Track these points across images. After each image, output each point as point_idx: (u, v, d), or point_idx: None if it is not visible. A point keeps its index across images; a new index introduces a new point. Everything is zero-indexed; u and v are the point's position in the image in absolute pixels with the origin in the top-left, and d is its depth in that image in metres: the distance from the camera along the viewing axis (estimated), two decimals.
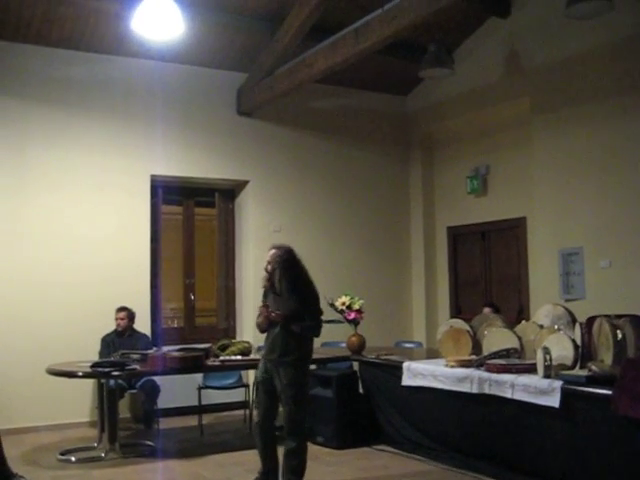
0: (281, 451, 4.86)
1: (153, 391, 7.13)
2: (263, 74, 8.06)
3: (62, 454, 6.07)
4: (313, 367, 6.88)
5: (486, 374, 5.14)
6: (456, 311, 9.18)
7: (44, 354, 6.76)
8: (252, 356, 6.74)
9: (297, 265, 4.90)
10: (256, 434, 4.93)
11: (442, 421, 5.70)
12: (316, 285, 4.97)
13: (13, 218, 7.30)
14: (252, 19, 7.64)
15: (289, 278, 4.80)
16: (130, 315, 7.30)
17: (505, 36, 8.25)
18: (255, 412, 5.01)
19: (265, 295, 4.99)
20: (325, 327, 7.07)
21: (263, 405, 4.90)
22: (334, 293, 6.84)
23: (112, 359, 6.28)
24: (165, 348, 7.14)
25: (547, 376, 4.69)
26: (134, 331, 7.32)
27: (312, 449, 6.17)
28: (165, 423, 7.28)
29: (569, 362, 4.76)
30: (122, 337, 7.22)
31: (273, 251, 4.91)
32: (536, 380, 4.74)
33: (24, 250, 7.31)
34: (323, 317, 6.84)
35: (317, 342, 7.86)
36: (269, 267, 4.86)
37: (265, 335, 4.98)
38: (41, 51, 7.51)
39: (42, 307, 7.32)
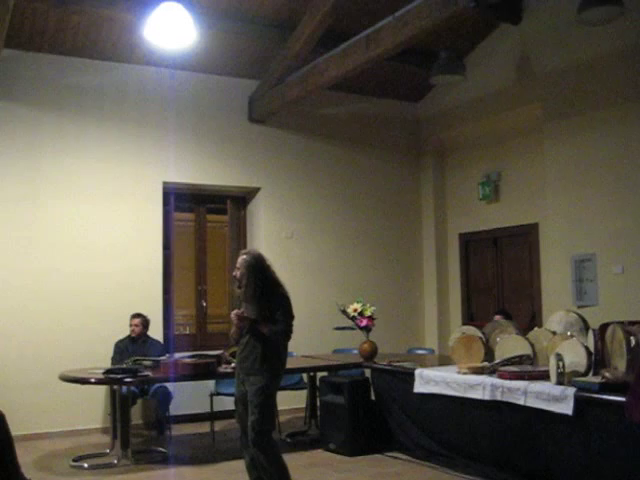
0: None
1: (165, 398, 7.14)
2: (274, 81, 8.09)
3: (75, 460, 6.10)
4: (324, 374, 6.92)
5: (498, 381, 5.11)
6: (468, 318, 9.16)
7: (57, 361, 6.80)
8: None
9: (265, 270, 4.81)
10: (242, 449, 4.84)
11: (454, 428, 5.67)
12: (287, 289, 4.86)
13: (26, 225, 7.35)
14: (264, 27, 7.67)
15: (256, 283, 4.73)
16: (144, 322, 7.32)
17: (516, 42, 8.25)
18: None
19: (239, 305, 4.91)
20: (337, 334, 7.16)
21: (244, 420, 4.79)
22: (346, 300, 6.85)
23: (124, 366, 6.30)
24: (177, 355, 7.16)
25: (560, 383, 4.66)
26: (147, 337, 7.34)
27: (324, 456, 6.22)
28: (177, 430, 7.30)
29: (582, 369, 4.73)
30: (135, 343, 7.24)
31: (242, 257, 4.86)
32: (549, 387, 4.71)
33: (37, 257, 7.36)
34: (338, 324, 6.91)
35: (328, 348, 7.99)
36: (238, 273, 4.81)
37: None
38: (54, 59, 7.57)
39: (55, 314, 7.36)
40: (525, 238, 8.58)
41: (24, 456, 5.49)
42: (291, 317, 4.78)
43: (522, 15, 8.11)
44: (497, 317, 6.91)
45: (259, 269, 4.78)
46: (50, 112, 7.55)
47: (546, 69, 7.87)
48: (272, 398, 4.79)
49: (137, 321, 7.27)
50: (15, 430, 5.10)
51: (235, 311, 4.77)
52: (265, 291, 4.74)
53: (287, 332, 4.75)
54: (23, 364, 7.14)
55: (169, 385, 7.07)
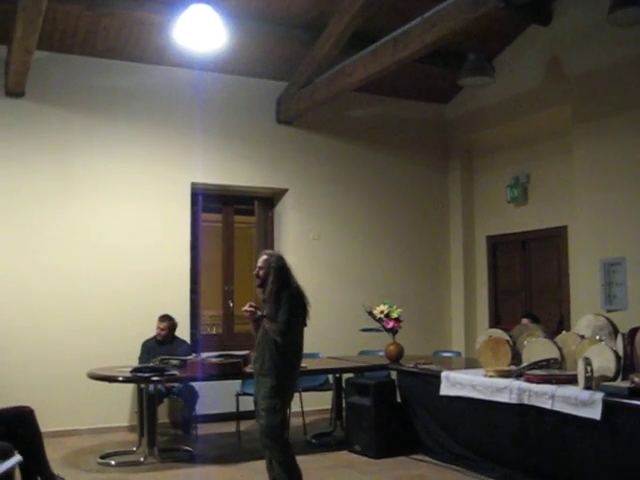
0: None
1: (192, 397, 7.18)
2: (303, 83, 8.11)
3: (102, 457, 6.16)
4: (350, 375, 6.92)
5: (526, 384, 5.08)
6: (495, 321, 9.09)
7: (85, 359, 6.86)
8: None
9: (285, 271, 4.83)
10: (263, 450, 4.87)
11: (480, 431, 5.65)
12: (302, 291, 4.85)
13: (55, 225, 7.45)
14: (292, 28, 7.69)
15: (274, 283, 4.75)
16: (172, 325, 7.34)
17: (546, 44, 8.19)
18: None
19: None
20: (363, 335, 7.15)
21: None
22: (372, 301, 6.84)
23: (152, 364, 6.34)
24: (204, 354, 7.20)
25: (588, 387, 4.61)
26: (174, 337, 7.39)
27: (349, 457, 6.23)
28: (203, 429, 7.33)
29: (611, 374, 4.68)
30: (162, 343, 7.28)
31: (263, 257, 4.88)
32: (577, 391, 4.67)
33: (65, 256, 7.44)
34: (365, 326, 6.88)
35: (354, 350, 7.99)
36: (261, 272, 4.81)
37: None
38: (85, 61, 7.67)
39: (84, 314, 7.44)
40: (554, 241, 8.51)
41: (52, 452, 5.57)
42: (291, 316, 4.68)
43: (552, 16, 8.05)
44: (524, 320, 6.87)
45: (278, 268, 4.80)
46: (80, 113, 7.64)
47: (575, 71, 7.80)
48: (282, 400, 4.74)
49: (164, 325, 7.28)
50: (44, 427, 5.19)
51: (248, 303, 4.80)
52: (278, 291, 4.74)
53: (284, 331, 4.65)
54: (52, 362, 7.23)
55: (196, 384, 7.12)
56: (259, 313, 4.79)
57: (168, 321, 7.33)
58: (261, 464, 5.93)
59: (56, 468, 5.26)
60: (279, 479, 4.73)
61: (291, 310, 4.69)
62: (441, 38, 6.41)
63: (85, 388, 6.85)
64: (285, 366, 4.74)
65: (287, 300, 4.71)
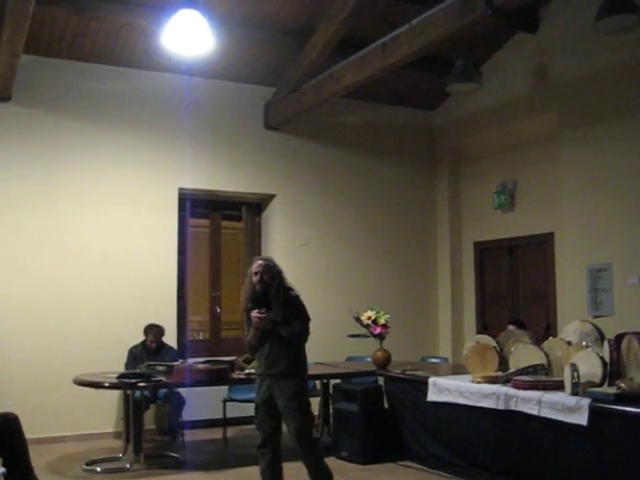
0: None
1: (178, 403, 7.16)
2: (290, 88, 8.11)
3: (88, 464, 6.11)
4: (338, 381, 6.92)
5: (513, 390, 5.09)
6: (482, 327, 9.11)
7: (71, 365, 6.82)
8: None
9: (281, 274, 4.86)
10: (259, 456, 4.82)
11: (467, 437, 5.65)
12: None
13: (42, 231, 7.40)
14: (280, 34, 7.70)
15: (279, 286, 4.77)
16: (160, 333, 7.28)
17: (533, 51, 8.23)
18: (258, 434, 4.88)
19: (248, 317, 4.82)
20: (351, 341, 7.14)
21: (267, 427, 4.79)
22: (360, 307, 6.84)
23: (138, 370, 6.31)
24: (191, 360, 7.17)
25: (575, 393, 4.63)
26: (162, 344, 7.35)
27: (336, 464, 6.18)
28: (190, 435, 7.30)
29: (597, 379, 4.70)
30: (149, 350, 7.24)
31: (261, 262, 4.85)
32: (563, 397, 4.69)
33: (53, 262, 7.40)
34: (352, 332, 6.92)
35: (342, 356, 7.98)
36: (265, 277, 4.76)
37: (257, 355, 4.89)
38: (73, 65, 7.64)
39: (70, 320, 7.39)
40: (540, 247, 8.54)
41: (37, 459, 5.52)
42: (308, 318, 4.82)
43: (539, 24, 8.09)
44: (510, 327, 6.88)
45: (278, 273, 4.83)
46: (67, 117, 7.60)
47: (562, 78, 7.85)
48: (308, 399, 4.85)
49: (153, 336, 7.22)
50: (29, 433, 5.13)
51: (256, 311, 4.71)
52: (283, 294, 4.77)
53: (305, 332, 4.80)
54: (37, 368, 7.18)
55: (182, 391, 7.09)
56: (270, 319, 4.74)
57: (157, 331, 7.25)
58: (248, 470, 5.93)
59: (41, 475, 5.20)
60: (321, 477, 4.80)
61: (305, 312, 4.83)
62: (429, 45, 6.44)
63: (71, 394, 6.80)
64: (305, 366, 4.89)
65: (300, 302, 4.85)
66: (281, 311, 4.71)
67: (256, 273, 4.78)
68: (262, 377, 4.85)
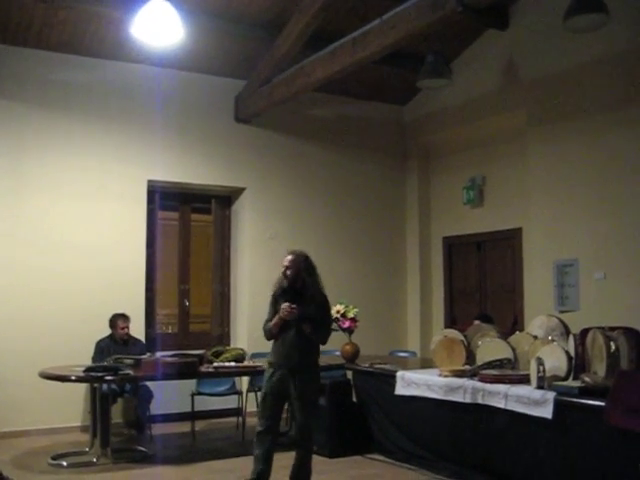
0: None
1: (146, 396, 7.12)
2: (261, 82, 8.09)
3: (54, 458, 6.05)
4: None
5: (479, 384, 5.14)
6: (451, 321, 9.19)
7: (37, 358, 6.74)
8: (246, 363, 6.75)
9: (315, 270, 5.02)
10: (259, 442, 4.94)
11: (435, 431, 5.70)
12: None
13: (8, 221, 7.29)
14: (251, 27, 7.66)
15: (313, 283, 4.92)
16: (128, 320, 7.26)
17: (503, 48, 8.30)
18: (259, 421, 5.02)
19: (275, 302, 5.01)
20: None
21: (272, 415, 4.94)
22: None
23: (105, 364, 6.26)
24: (159, 354, 7.13)
25: (540, 387, 4.69)
26: (129, 337, 7.30)
27: None
28: (158, 429, 7.27)
29: (562, 373, 4.76)
30: (117, 342, 7.19)
31: (291, 257, 4.97)
32: (529, 391, 4.75)
33: (19, 254, 7.30)
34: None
35: None
36: (289, 272, 4.92)
37: (273, 343, 5.02)
38: (40, 55, 7.52)
39: (36, 311, 7.30)
40: (508, 243, 8.63)
41: (2, 454, 5.48)
42: (332, 320, 5.06)
43: (509, 21, 8.16)
44: (476, 322, 6.94)
45: (308, 269, 4.96)
46: (35, 107, 7.50)
47: (532, 75, 7.92)
48: (318, 397, 5.08)
49: (123, 323, 7.19)
50: None
51: (288, 304, 4.83)
52: (312, 292, 4.89)
53: (328, 335, 5.01)
54: (2, 361, 7.07)
55: (150, 384, 7.05)
56: (298, 314, 4.85)
57: (125, 319, 7.23)
58: (216, 464, 5.95)
59: (6, 470, 5.17)
60: (304, 473, 4.96)
61: (330, 314, 5.05)
62: (400, 40, 6.46)
63: (37, 387, 6.72)
64: (319, 364, 5.04)
65: (328, 304, 5.04)
66: (308, 308, 4.82)
67: (285, 267, 4.94)
68: (276, 367, 4.94)
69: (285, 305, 4.83)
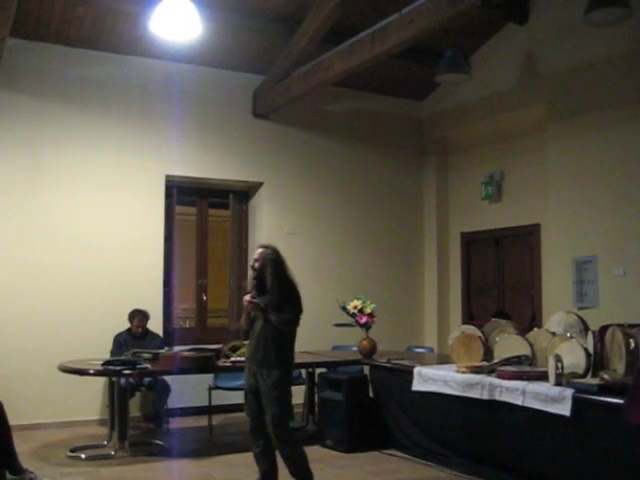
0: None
1: (164, 390, 7.16)
2: (279, 76, 8.08)
3: (72, 451, 6.10)
4: (323, 370, 6.94)
5: (497, 381, 5.11)
6: (468, 317, 9.15)
7: (56, 352, 6.80)
8: None
9: (282, 264, 4.91)
10: (252, 442, 4.90)
11: (452, 427, 5.68)
12: (298, 287, 4.95)
13: (27, 217, 7.34)
14: (269, 21, 7.65)
15: (274, 275, 4.80)
16: (145, 318, 7.30)
17: (522, 42, 8.23)
18: (247, 419, 4.95)
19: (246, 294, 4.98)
20: (337, 330, 7.16)
21: (255, 413, 4.84)
22: (346, 296, 6.85)
23: (124, 358, 6.30)
24: (176, 348, 7.17)
25: (558, 384, 4.66)
26: (147, 331, 7.34)
27: (321, 452, 6.22)
28: (175, 423, 7.31)
29: (581, 370, 4.73)
30: (135, 336, 7.23)
31: (261, 250, 4.94)
32: (547, 388, 4.71)
33: (37, 248, 7.35)
34: (338, 321, 6.94)
35: (328, 345, 7.99)
36: (257, 264, 4.88)
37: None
38: (59, 50, 7.57)
39: (55, 305, 7.36)
40: (527, 239, 8.57)
41: (21, 446, 5.52)
42: (299, 309, 4.84)
43: (528, 15, 8.09)
44: (494, 320, 6.90)
45: (277, 262, 4.87)
46: (54, 102, 7.54)
47: (551, 70, 7.86)
48: (289, 389, 4.84)
49: (140, 321, 7.24)
50: (13, 420, 5.14)
51: (247, 296, 4.83)
52: (280, 283, 4.80)
53: (292, 321, 4.80)
54: (22, 355, 7.14)
55: (168, 378, 7.08)
56: (261, 305, 4.80)
57: (143, 316, 7.27)
58: (233, 458, 5.96)
59: (25, 462, 5.21)
60: (292, 468, 4.78)
61: (298, 302, 4.83)
62: (418, 34, 6.43)
63: (56, 381, 6.79)
64: (289, 356, 4.85)
65: (293, 293, 4.85)
66: (274, 299, 4.74)
67: (254, 260, 4.91)
68: (249, 362, 4.88)
69: (245, 297, 4.82)
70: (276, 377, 4.70)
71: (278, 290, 4.76)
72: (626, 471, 4.24)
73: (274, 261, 4.85)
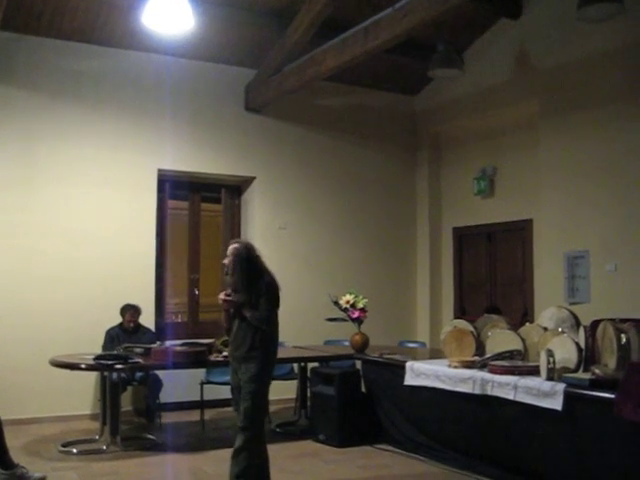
0: None
1: (156, 385, 7.15)
2: (272, 71, 8.06)
3: (64, 446, 6.08)
4: (315, 365, 6.94)
5: (489, 375, 5.12)
6: (460, 312, 9.17)
7: (48, 346, 6.78)
8: None
9: (253, 259, 4.83)
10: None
11: (444, 421, 5.69)
12: (276, 279, 4.82)
13: (20, 210, 7.31)
14: (262, 15, 7.64)
15: (243, 270, 4.75)
16: (137, 313, 7.27)
17: (515, 37, 8.24)
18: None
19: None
20: (329, 325, 7.15)
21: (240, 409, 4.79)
22: (338, 291, 6.84)
23: (115, 352, 6.28)
24: (168, 343, 7.15)
25: (550, 379, 4.67)
26: (139, 326, 7.32)
27: (313, 447, 6.24)
28: (167, 417, 7.29)
29: (572, 365, 4.74)
30: (127, 331, 7.22)
31: (231, 246, 4.89)
32: (539, 382, 4.72)
33: (30, 242, 7.33)
34: (330, 316, 6.90)
35: (320, 339, 7.99)
36: (227, 260, 4.83)
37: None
38: (52, 43, 7.52)
39: (47, 299, 7.34)
40: (519, 234, 8.59)
41: (13, 440, 5.49)
42: (273, 304, 4.74)
43: (521, 10, 8.10)
44: (486, 315, 6.91)
45: (247, 258, 4.80)
46: (46, 96, 7.50)
47: (544, 65, 7.87)
48: (265, 386, 4.78)
49: (131, 316, 7.22)
50: (4, 414, 5.11)
51: (222, 293, 4.79)
52: (251, 278, 4.74)
53: (268, 318, 4.71)
54: (13, 349, 7.11)
55: (160, 373, 7.07)
56: (234, 302, 4.77)
57: (135, 310, 7.25)
58: (225, 452, 5.88)
59: (16, 456, 5.20)
60: (241, 460, 4.66)
61: (272, 298, 4.74)
62: (411, 29, 6.42)
63: (47, 375, 6.76)
64: (267, 352, 4.77)
65: (267, 288, 4.75)
66: (249, 295, 4.70)
67: (226, 256, 4.85)
68: (231, 359, 4.88)
69: (220, 295, 4.79)
70: (253, 372, 4.66)
71: (247, 286, 4.71)
72: (617, 465, 4.26)
73: (243, 256, 4.79)
